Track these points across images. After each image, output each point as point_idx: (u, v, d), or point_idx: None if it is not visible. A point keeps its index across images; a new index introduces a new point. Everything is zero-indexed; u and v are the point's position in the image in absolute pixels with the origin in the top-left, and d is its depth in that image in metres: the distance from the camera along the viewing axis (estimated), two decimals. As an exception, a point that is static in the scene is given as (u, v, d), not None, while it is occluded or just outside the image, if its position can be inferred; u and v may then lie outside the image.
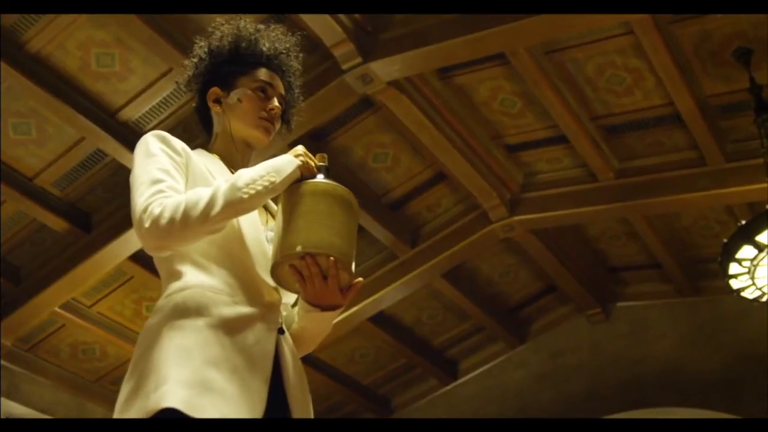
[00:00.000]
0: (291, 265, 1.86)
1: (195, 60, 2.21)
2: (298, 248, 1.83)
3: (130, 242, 5.30)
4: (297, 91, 2.27)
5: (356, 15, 4.59)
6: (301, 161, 1.93)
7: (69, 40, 4.50)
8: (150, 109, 4.88)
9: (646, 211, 5.88)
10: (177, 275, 1.90)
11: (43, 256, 5.58)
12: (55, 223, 5.34)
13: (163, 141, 1.99)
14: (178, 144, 2.00)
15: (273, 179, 1.88)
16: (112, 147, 4.92)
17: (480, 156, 5.58)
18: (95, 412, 6.59)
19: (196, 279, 1.88)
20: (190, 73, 2.21)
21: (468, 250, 6.17)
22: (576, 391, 6.85)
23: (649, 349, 6.75)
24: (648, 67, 4.95)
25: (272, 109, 2.13)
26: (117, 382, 6.70)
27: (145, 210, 1.82)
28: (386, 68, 4.74)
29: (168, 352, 1.76)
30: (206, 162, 2.04)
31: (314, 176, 1.93)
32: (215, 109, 2.16)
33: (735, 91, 5.04)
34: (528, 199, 5.93)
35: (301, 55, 2.28)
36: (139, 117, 4.92)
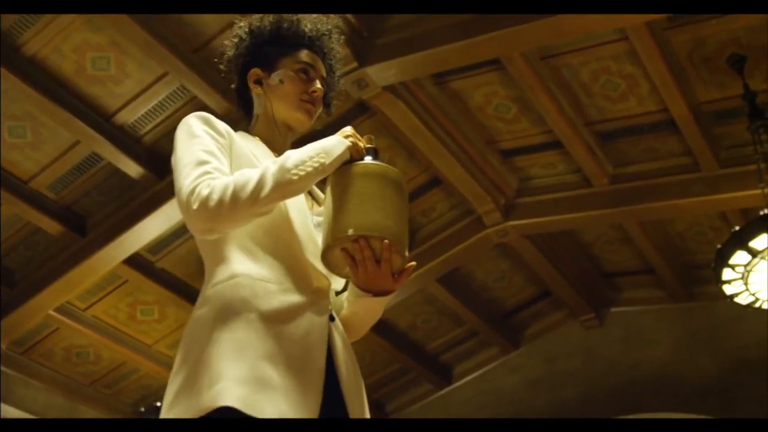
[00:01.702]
0: (343, 249, 1.80)
1: (235, 40, 2.16)
2: (351, 231, 1.77)
3: (125, 246, 5.30)
4: (338, 74, 2.23)
5: (352, 20, 4.60)
6: (351, 142, 1.88)
7: (65, 44, 4.50)
8: (146, 112, 4.88)
9: (641, 216, 5.89)
10: (223, 261, 1.84)
11: (38, 259, 5.58)
12: (50, 226, 5.34)
13: (207, 122, 1.94)
14: (222, 126, 1.95)
15: (323, 160, 1.82)
16: (107, 150, 4.92)
17: (475, 161, 5.59)
18: (88, 415, 6.58)
19: (244, 267, 1.82)
20: (231, 53, 2.16)
21: (462, 254, 6.18)
22: (570, 396, 6.86)
23: (643, 354, 6.76)
24: (642, 74, 4.97)
25: (314, 92, 2.08)
26: (111, 386, 6.71)
27: (192, 192, 1.76)
28: (382, 73, 4.75)
29: (220, 347, 1.70)
30: (249, 145, 1.99)
31: (362, 158, 1.88)
32: (256, 90, 2.11)
33: (729, 98, 5.06)
34: (522, 204, 5.94)
35: (342, 37, 2.24)
36: (135, 121, 4.92)
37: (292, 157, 1.82)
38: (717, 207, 5.74)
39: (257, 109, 2.13)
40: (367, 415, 1.87)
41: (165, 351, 6.55)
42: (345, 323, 1.96)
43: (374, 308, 1.94)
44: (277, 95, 2.08)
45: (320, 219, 1.94)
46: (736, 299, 4.91)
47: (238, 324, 1.74)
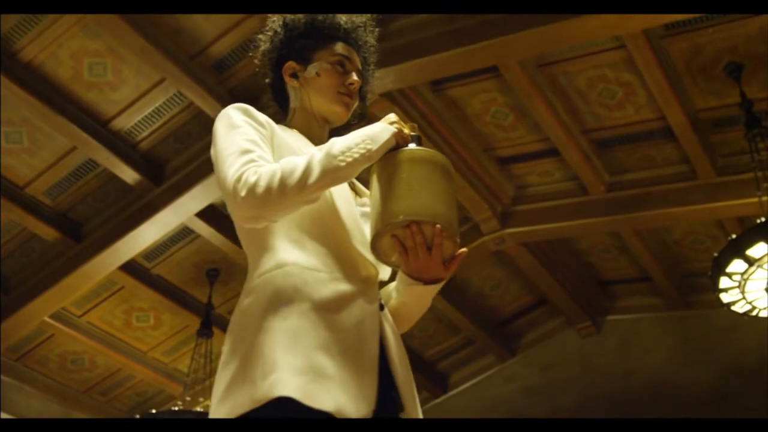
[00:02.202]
0: (393, 236, 1.75)
1: (270, 34, 2.13)
2: (402, 216, 1.72)
3: (120, 252, 5.28)
4: (372, 67, 2.21)
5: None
6: (396, 128, 1.86)
7: (62, 50, 4.50)
8: (142, 118, 4.87)
9: (637, 224, 5.89)
10: (269, 251, 1.81)
11: (33, 265, 5.56)
12: (46, 232, 5.33)
13: (246, 113, 1.90)
14: (262, 117, 1.92)
15: (369, 147, 1.79)
16: (103, 156, 4.91)
17: (472, 168, 5.60)
18: (84, 422, 6.56)
19: (291, 256, 1.79)
20: (265, 47, 2.14)
21: (459, 262, 6.16)
22: (566, 404, 6.84)
23: (640, 362, 6.76)
24: (639, 82, 4.97)
25: (351, 84, 2.07)
26: (106, 393, 6.69)
27: (239, 179, 1.72)
28: (379, 80, 4.73)
29: (273, 336, 1.66)
30: (289, 136, 1.97)
31: (407, 144, 1.85)
32: (292, 83, 2.09)
33: (726, 106, 5.06)
34: (519, 211, 5.94)
35: (377, 30, 2.22)
36: (131, 127, 4.91)
37: (338, 143, 1.79)
38: (714, 215, 5.74)
39: (293, 103, 2.11)
40: (419, 406, 1.84)
41: (160, 358, 6.53)
42: (394, 314, 1.92)
43: (424, 297, 1.91)
44: (314, 88, 2.07)
45: (364, 209, 1.93)
46: (732, 308, 4.91)
47: (290, 313, 1.70)
